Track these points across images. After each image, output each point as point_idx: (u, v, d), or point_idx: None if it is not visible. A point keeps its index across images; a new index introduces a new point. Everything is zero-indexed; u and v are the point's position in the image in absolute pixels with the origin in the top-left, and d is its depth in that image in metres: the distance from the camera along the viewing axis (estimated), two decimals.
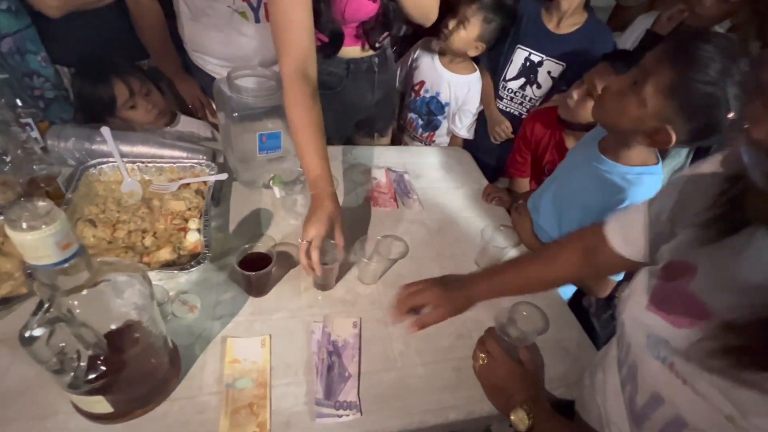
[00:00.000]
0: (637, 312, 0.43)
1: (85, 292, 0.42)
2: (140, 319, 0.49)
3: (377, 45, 1.04)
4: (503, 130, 1.42)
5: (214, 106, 1.21)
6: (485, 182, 1.20)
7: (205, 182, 0.88)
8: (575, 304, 1.01)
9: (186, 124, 1.17)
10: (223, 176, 0.87)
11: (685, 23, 1.22)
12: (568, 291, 0.99)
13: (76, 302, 0.42)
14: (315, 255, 0.69)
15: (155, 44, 1.14)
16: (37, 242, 0.34)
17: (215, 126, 1.24)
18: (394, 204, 1.01)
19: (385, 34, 1.03)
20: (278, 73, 0.83)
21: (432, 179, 1.15)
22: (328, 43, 0.97)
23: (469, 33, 1.23)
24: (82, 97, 1.06)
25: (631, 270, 0.56)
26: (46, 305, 0.41)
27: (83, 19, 1.05)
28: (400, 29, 1.03)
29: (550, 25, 1.24)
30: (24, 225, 0.33)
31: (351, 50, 1.04)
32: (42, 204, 0.34)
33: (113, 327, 0.47)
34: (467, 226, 1.00)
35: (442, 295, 0.70)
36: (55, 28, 1.06)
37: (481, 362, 0.66)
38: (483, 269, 0.76)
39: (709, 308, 0.36)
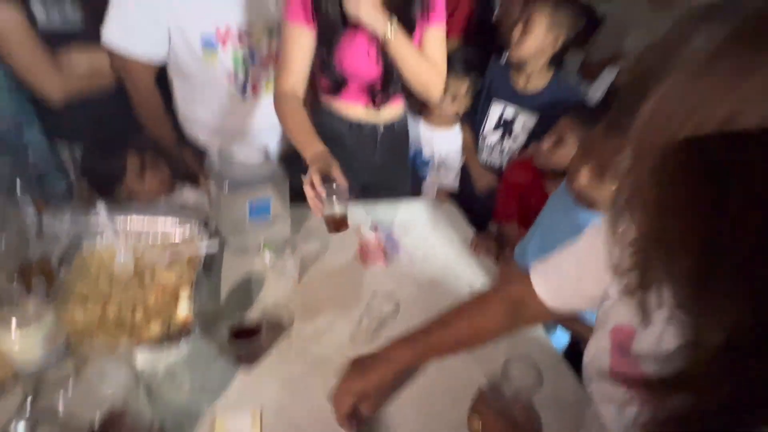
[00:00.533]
0: (601, 383, 0.41)
1: (70, 382, 0.43)
2: (126, 405, 0.48)
3: (379, 106, 1.12)
4: (481, 187, 1.48)
5: (207, 176, 1.27)
6: (472, 233, 1.23)
7: (196, 253, 0.90)
8: (573, 352, 1.00)
9: (185, 192, 1.22)
10: (214, 248, 0.90)
11: None
12: (562, 340, 0.98)
13: (60, 394, 0.42)
14: (316, 178, 0.81)
15: (155, 123, 1.21)
16: (25, 345, 0.35)
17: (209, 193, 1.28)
18: (383, 261, 1.03)
19: (389, 96, 1.10)
20: (266, 146, 0.89)
21: (420, 233, 1.18)
22: (332, 86, 1.07)
23: (454, 107, 1.34)
24: (91, 171, 1.11)
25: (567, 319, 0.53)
26: (29, 400, 0.41)
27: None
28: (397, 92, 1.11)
29: (519, 85, 1.34)
30: (12, 327, 0.35)
31: (359, 110, 1.12)
32: (30, 304, 0.36)
33: (99, 415, 0.46)
34: (455, 280, 1.02)
35: (361, 383, 0.59)
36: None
37: (476, 428, 0.64)
38: (403, 335, 0.64)
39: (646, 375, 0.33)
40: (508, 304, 0.63)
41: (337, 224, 0.86)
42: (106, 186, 1.09)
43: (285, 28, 0.97)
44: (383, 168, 1.25)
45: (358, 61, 1.02)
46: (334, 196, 0.83)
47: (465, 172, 1.56)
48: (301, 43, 0.96)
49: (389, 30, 0.92)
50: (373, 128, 1.17)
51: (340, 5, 0.92)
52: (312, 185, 0.83)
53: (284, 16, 0.96)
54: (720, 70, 0.24)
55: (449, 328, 0.64)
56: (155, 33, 1.02)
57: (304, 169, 0.87)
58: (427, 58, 1.02)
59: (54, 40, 1.04)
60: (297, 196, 0.92)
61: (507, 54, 1.33)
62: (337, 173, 0.86)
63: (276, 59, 1.16)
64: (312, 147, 0.91)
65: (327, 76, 1.05)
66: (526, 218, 1.31)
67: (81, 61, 1.08)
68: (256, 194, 0.95)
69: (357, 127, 1.15)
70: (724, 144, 0.23)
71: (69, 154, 1.21)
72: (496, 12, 1.61)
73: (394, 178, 1.32)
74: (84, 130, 1.16)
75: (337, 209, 0.85)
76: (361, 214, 1.21)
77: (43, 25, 1.01)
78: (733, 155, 0.22)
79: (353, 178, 0.95)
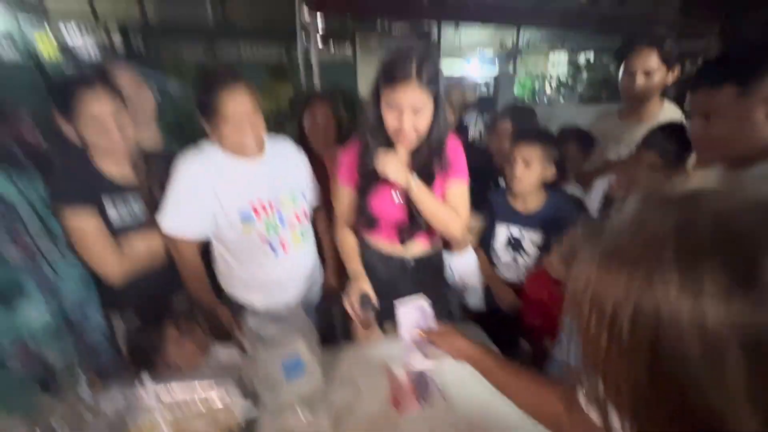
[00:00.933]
0: None
1: None
2: None
3: (405, 242, 1.27)
4: (504, 301, 1.50)
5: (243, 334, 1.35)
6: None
7: (235, 419, 0.92)
8: None
9: (217, 353, 1.28)
10: (252, 412, 0.92)
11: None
12: None
13: None
14: (355, 298, 1.10)
15: (197, 286, 1.35)
16: None
17: (244, 350, 1.34)
18: (417, 403, 1.01)
19: (413, 234, 1.26)
20: (297, 297, 1.01)
21: (451, 367, 1.16)
22: (366, 224, 1.27)
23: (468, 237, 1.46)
24: (134, 343, 1.19)
25: None
26: None
27: None
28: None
29: (517, 207, 1.47)
30: None
31: (390, 246, 1.29)
32: None
33: None
34: (497, 417, 0.97)
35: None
36: None
37: None
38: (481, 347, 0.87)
39: None
40: (561, 405, 0.65)
41: (366, 327, 1.11)
42: (147, 357, 1.16)
43: (336, 186, 1.29)
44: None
45: (385, 206, 1.23)
46: (369, 307, 1.09)
47: (486, 292, 1.58)
48: (348, 197, 1.26)
49: (411, 183, 1.12)
50: (403, 261, 1.31)
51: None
52: (350, 303, 1.09)
53: (337, 179, 1.28)
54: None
55: (511, 383, 0.76)
56: (202, 217, 1.23)
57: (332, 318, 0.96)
58: (447, 205, 1.20)
59: (119, 230, 1.25)
60: (325, 341, 1.06)
61: (504, 181, 1.50)
62: (368, 289, 1.12)
63: (298, 218, 1.37)
64: (353, 265, 1.21)
65: (362, 216, 1.26)
66: (555, 329, 1.29)
67: (140, 245, 1.27)
68: (288, 349, 1.01)
69: (389, 259, 1.31)
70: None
71: (121, 326, 1.33)
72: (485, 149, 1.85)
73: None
74: (133, 301, 1.30)
75: (370, 318, 1.10)
76: (392, 349, 1.22)
77: (115, 222, 1.23)
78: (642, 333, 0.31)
79: (386, 306, 1.05)
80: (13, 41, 4.87)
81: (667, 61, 1.54)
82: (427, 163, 1.17)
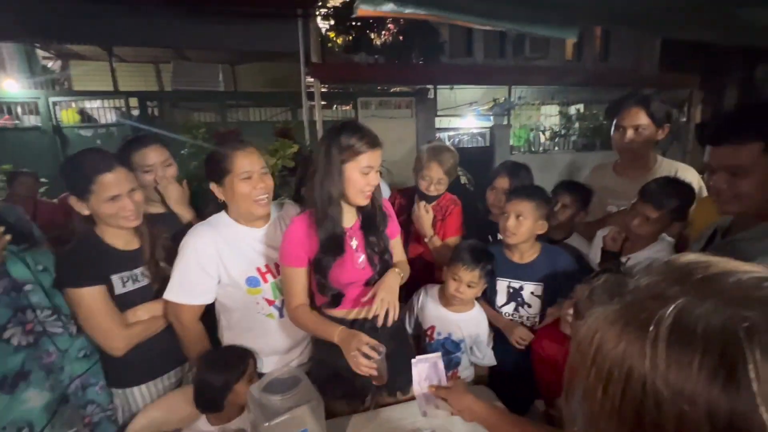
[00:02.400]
0: None
1: None
2: None
3: None
4: (521, 336, 1.46)
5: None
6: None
7: None
8: None
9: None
10: None
11: (627, 240, 1.46)
12: None
13: None
14: (367, 348, 1.04)
15: (197, 351, 1.32)
16: None
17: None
18: None
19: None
20: (303, 375, 0.98)
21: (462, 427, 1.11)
22: (330, 301, 1.23)
23: (472, 292, 1.45)
24: (207, 381, 1.17)
25: None
26: None
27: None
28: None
29: (514, 259, 1.49)
30: None
31: (360, 311, 1.24)
32: None
33: None
34: None
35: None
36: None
37: None
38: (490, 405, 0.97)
39: None
40: None
41: (381, 379, 1.07)
42: (219, 393, 1.15)
43: (282, 268, 1.23)
44: (388, 359, 1.27)
45: (350, 272, 1.22)
46: (378, 354, 1.04)
47: (498, 348, 1.54)
48: (299, 278, 1.22)
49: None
50: (372, 323, 1.21)
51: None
52: (357, 360, 1.04)
53: (280, 260, 1.23)
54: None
55: None
56: (209, 285, 1.25)
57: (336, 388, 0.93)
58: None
59: (125, 300, 1.25)
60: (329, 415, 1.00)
61: (500, 236, 1.52)
62: (366, 339, 1.06)
63: None
64: (334, 330, 1.13)
65: (326, 294, 1.23)
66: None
67: (143, 314, 1.28)
68: (294, 422, 0.97)
69: (357, 325, 1.23)
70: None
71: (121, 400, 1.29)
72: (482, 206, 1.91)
73: (403, 370, 1.30)
74: (137, 373, 1.28)
75: (382, 368, 1.06)
76: (395, 419, 1.17)
77: (121, 293, 1.24)
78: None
79: (365, 378, 1.03)
80: (39, 114, 5.20)
81: (654, 119, 1.62)
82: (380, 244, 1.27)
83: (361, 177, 1.14)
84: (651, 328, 0.33)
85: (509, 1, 1.40)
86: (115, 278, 1.24)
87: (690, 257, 0.39)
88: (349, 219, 1.24)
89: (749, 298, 0.32)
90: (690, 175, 1.65)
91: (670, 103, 1.66)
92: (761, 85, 7.72)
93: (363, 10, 1.48)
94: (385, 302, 1.14)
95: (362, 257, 1.24)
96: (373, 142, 1.14)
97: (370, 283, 1.25)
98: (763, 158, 0.87)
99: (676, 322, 0.32)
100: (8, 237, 1.08)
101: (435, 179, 1.68)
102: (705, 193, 1.62)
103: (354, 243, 1.24)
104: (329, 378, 1.25)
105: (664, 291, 0.35)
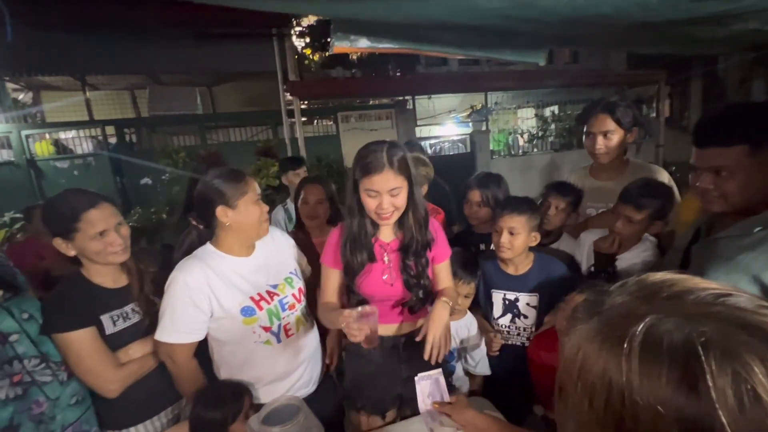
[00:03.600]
0: None
1: None
2: None
3: (415, 312, 1.30)
4: (491, 340, 1.50)
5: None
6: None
7: None
8: None
9: None
10: None
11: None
12: None
13: None
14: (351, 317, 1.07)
15: (192, 388, 1.29)
16: None
17: None
18: None
19: (421, 304, 1.29)
20: (303, 405, 0.98)
21: None
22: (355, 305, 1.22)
23: (466, 303, 1.49)
24: (202, 419, 1.13)
25: None
26: None
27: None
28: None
29: (509, 271, 1.51)
30: None
31: (384, 327, 1.27)
32: None
33: None
34: None
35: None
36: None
37: None
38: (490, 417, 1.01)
39: None
40: None
41: (370, 341, 1.10)
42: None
43: (322, 267, 1.33)
44: (410, 378, 1.29)
45: (375, 286, 1.25)
46: (369, 319, 1.08)
47: (494, 360, 1.56)
48: (333, 278, 1.31)
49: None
50: (395, 341, 1.30)
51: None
52: (348, 322, 1.07)
53: (321, 261, 1.33)
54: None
55: None
56: (201, 321, 1.22)
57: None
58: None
59: (116, 340, 1.22)
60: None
61: (493, 249, 1.55)
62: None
63: (296, 297, 1.37)
64: (339, 314, 1.13)
65: (350, 300, 1.28)
66: None
67: (136, 353, 1.25)
68: None
69: (380, 341, 1.22)
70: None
71: None
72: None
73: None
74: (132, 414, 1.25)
75: (374, 328, 1.09)
76: None
77: (111, 333, 1.21)
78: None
79: (385, 392, 1.05)
80: (11, 148, 5.05)
81: (621, 124, 1.70)
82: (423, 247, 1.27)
83: (369, 199, 1.15)
84: (625, 345, 0.36)
85: (477, 32, 1.45)
86: (105, 318, 1.21)
87: (657, 277, 0.43)
88: (387, 234, 1.28)
89: (706, 314, 0.36)
90: (661, 175, 1.71)
91: (638, 101, 1.74)
92: (724, 78, 8.08)
93: (339, 47, 1.52)
94: (436, 342, 1.16)
95: (389, 274, 1.26)
96: (370, 168, 1.12)
97: (405, 305, 1.28)
98: (748, 160, 0.90)
99: (645, 339, 0.36)
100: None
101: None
102: (676, 190, 1.69)
103: (387, 258, 1.27)
104: (355, 388, 1.32)
105: (635, 309, 0.39)
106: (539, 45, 1.87)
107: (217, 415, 1.13)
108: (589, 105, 1.82)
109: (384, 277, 1.26)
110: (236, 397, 1.18)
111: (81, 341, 1.14)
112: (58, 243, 1.17)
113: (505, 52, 1.81)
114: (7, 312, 1.09)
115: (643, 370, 0.35)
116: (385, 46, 1.59)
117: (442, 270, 1.34)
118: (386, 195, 1.14)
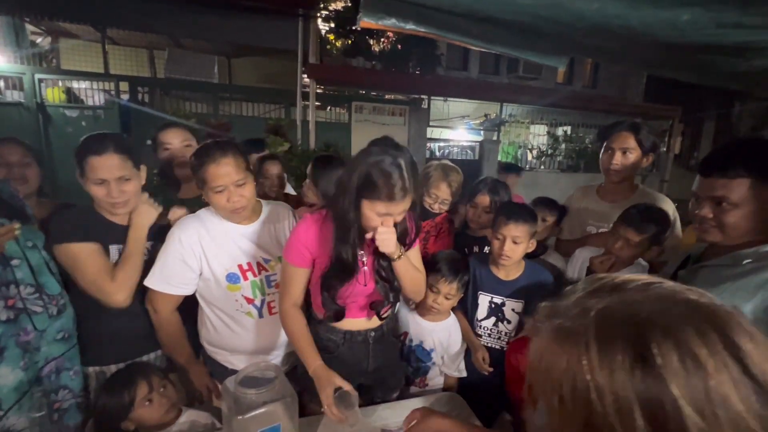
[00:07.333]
0: None
1: None
2: None
3: (383, 316, 1.24)
4: (479, 359, 1.51)
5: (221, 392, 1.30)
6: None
7: None
8: None
9: (190, 415, 1.23)
10: None
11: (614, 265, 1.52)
12: None
13: None
14: (333, 404, 1.00)
15: (172, 344, 1.32)
16: None
17: (217, 412, 1.29)
18: None
19: (388, 306, 1.24)
20: (279, 371, 1.01)
21: None
22: (332, 316, 1.19)
23: (449, 303, 1.48)
24: (103, 406, 1.15)
25: None
26: None
27: (117, 318, 1.27)
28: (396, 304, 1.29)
29: (500, 275, 1.53)
30: None
31: (354, 322, 1.24)
32: None
33: None
34: None
35: None
36: (93, 331, 1.28)
37: None
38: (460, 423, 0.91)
39: None
40: None
41: (352, 424, 1.02)
42: (114, 418, 1.13)
43: (284, 263, 1.20)
44: (376, 370, 1.32)
45: (355, 289, 1.19)
46: (350, 405, 1.00)
47: (469, 361, 1.58)
48: (298, 278, 1.19)
49: (401, 254, 1.15)
50: (365, 335, 1.27)
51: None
52: (327, 404, 1.01)
53: (283, 255, 1.20)
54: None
55: None
56: (188, 278, 1.25)
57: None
58: (417, 269, 1.26)
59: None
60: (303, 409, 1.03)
61: (486, 252, 1.57)
62: (341, 382, 1.03)
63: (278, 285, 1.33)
64: (313, 361, 1.10)
65: (330, 309, 1.19)
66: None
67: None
68: (266, 416, 0.98)
69: (352, 336, 1.26)
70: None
71: (96, 382, 1.29)
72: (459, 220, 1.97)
73: (388, 377, 1.37)
74: (113, 355, 1.29)
75: (355, 416, 1.02)
76: (366, 418, 1.19)
77: (115, 259, 1.27)
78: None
79: (349, 382, 1.05)
80: (23, 90, 5.04)
81: (642, 145, 1.71)
82: (400, 236, 1.18)
83: (376, 217, 1.06)
84: (582, 338, 0.39)
85: (504, 27, 1.46)
86: (113, 249, 1.28)
87: (602, 274, 0.46)
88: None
89: (645, 297, 0.40)
90: (667, 205, 1.73)
91: (653, 133, 1.76)
92: (737, 122, 8.12)
93: (366, 22, 1.52)
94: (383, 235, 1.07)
95: (364, 276, 1.21)
96: (389, 195, 1.01)
97: (373, 307, 1.24)
98: (750, 193, 0.91)
99: (598, 326, 0.39)
100: (17, 232, 1.10)
101: (441, 198, 1.75)
102: (679, 224, 1.71)
103: (364, 259, 1.21)
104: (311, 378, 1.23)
105: (585, 304, 0.42)
106: (562, 50, 1.88)
107: (111, 402, 1.14)
108: (613, 123, 1.83)
109: (359, 279, 1.21)
110: (130, 382, 1.17)
111: (87, 254, 1.20)
112: (78, 177, 1.24)
113: (528, 52, 1.82)
114: (13, 239, 1.11)
115: (602, 357, 0.37)
116: (412, 27, 1.58)
117: (412, 255, 1.26)
118: (393, 218, 1.07)
